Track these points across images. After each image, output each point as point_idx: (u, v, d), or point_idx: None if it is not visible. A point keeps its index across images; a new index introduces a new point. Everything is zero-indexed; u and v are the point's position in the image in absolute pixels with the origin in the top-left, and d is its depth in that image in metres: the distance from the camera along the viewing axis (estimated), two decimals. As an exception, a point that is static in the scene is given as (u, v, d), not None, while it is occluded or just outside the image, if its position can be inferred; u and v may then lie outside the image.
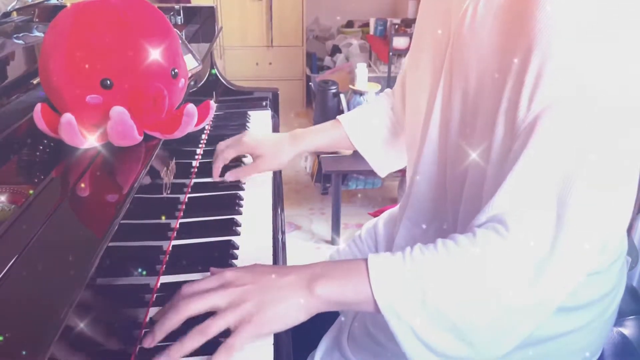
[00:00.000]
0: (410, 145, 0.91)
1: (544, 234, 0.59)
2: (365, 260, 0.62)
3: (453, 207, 0.79)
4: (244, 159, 1.08)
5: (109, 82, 0.65)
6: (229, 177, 0.99)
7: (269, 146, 1.00)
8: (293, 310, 0.60)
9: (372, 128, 1.04)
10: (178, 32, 0.79)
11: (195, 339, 0.58)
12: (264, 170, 1.01)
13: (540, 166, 0.59)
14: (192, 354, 0.58)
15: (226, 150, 1.00)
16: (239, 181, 1.01)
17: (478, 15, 0.68)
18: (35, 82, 0.80)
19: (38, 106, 0.67)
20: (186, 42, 1.00)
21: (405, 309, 0.59)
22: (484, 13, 0.67)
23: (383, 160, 1.06)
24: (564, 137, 0.58)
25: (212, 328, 0.58)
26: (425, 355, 0.61)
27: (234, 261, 0.78)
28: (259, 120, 1.38)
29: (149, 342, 0.59)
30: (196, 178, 1.02)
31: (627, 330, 0.89)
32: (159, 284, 0.73)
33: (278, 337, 0.65)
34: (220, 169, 1.00)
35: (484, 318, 0.60)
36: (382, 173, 1.07)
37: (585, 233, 0.59)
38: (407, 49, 3.30)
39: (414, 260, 0.61)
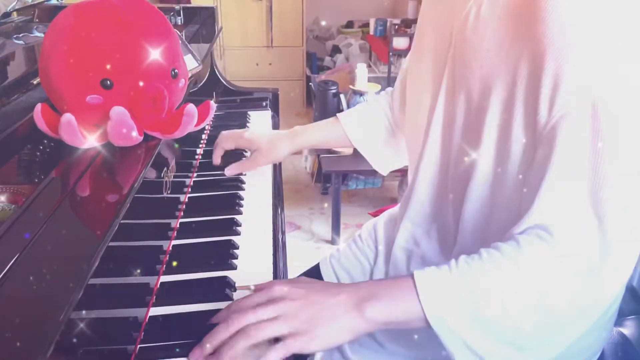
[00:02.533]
0: (411, 145, 0.91)
1: (590, 240, 0.59)
2: (412, 276, 0.61)
3: (454, 207, 0.79)
4: (245, 154, 1.09)
5: (109, 82, 0.65)
6: (228, 172, 1.02)
7: (266, 141, 1.03)
8: (342, 330, 0.60)
9: (369, 126, 1.05)
10: (178, 32, 0.79)
11: (247, 340, 0.57)
12: (261, 164, 1.04)
13: (569, 173, 0.59)
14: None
15: (225, 141, 1.04)
16: (239, 181, 1.01)
17: (481, 17, 0.67)
18: (35, 82, 0.80)
19: (38, 106, 0.67)
20: (186, 42, 1.00)
21: (457, 323, 0.59)
22: (487, 15, 0.67)
23: (382, 158, 1.07)
24: (587, 141, 0.58)
25: (264, 330, 0.58)
26: None
27: (234, 261, 0.78)
28: (259, 120, 1.39)
29: (196, 356, 0.58)
30: (196, 178, 1.02)
31: (627, 330, 0.89)
32: (159, 284, 0.73)
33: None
34: (219, 157, 1.04)
35: (535, 324, 0.60)
36: (383, 171, 1.08)
37: (628, 233, 0.60)
38: (407, 49, 3.30)
39: (461, 272, 0.61)
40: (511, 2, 0.64)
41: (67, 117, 0.64)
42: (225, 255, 0.79)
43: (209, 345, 0.58)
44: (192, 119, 0.72)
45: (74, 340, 0.47)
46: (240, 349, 0.57)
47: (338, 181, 2.30)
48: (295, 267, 1.09)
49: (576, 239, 0.60)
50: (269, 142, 1.04)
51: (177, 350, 0.62)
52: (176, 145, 0.91)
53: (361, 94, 2.41)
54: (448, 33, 0.75)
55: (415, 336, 0.80)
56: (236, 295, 0.71)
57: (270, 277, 0.76)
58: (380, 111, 1.05)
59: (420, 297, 0.59)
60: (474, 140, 0.71)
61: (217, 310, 0.64)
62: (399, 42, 3.23)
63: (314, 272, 1.04)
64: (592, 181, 0.58)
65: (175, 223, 0.86)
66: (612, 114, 0.57)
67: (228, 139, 1.04)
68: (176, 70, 0.72)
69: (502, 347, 0.61)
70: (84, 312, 0.49)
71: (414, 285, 0.60)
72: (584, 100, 0.58)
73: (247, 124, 1.33)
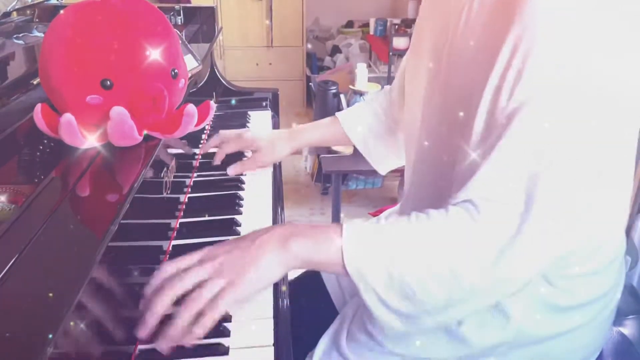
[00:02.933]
0: (408, 143, 0.91)
1: (511, 220, 0.61)
2: (342, 224, 0.64)
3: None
4: (246, 154, 1.10)
5: (109, 82, 0.65)
6: (230, 171, 1.02)
7: (266, 141, 1.05)
8: (270, 266, 0.62)
9: (369, 124, 1.05)
10: (178, 32, 0.79)
11: (188, 311, 0.59)
12: (263, 164, 1.05)
13: (513, 157, 0.61)
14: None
15: (226, 145, 1.04)
16: (239, 181, 1.01)
17: (473, 13, 0.68)
18: (35, 82, 0.80)
19: (38, 106, 0.67)
20: (186, 42, 1.00)
21: (371, 273, 0.62)
22: (478, 10, 0.68)
23: (381, 157, 1.07)
24: (538, 131, 0.59)
25: (201, 297, 0.59)
26: (387, 315, 0.64)
27: (234, 261, 0.78)
28: (259, 120, 1.39)
29: (142, 332, 0.59)
30: (196, 178, 1.02)
31: (627, 330, 0.89)
32: (159, 284, 0.73)
33: (278, 337, 0.65)
34: (220, 159, 1.04)
35: (442, 290, 0.62)
36: (382, 170, 1.09)
37: (551, 223, 0.61)
38: (408, 49, 3.30)
39: (385, 228, 0.64)
40: None
41: (67, 117, 0.64)
42: (225, 255, 0.79)
43: (151, 320, 0.59)
44: (192, 119, 0.72)
45: (75, 339, 0.47)
46: (185, 322, 0.58)
47: (338, 181, 2.30)
48: (295, 267, 1.09)
49: (498, 217, 0.62)
50: (268, 142, 1.04)
51: (177, 351, 0.62)
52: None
53: (361, 94, 2.41)
54: (445, 30, 0.75)
55: (414, 336, 0.80)
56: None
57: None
58: (379, 109, 1.06)
59: (343, 241, 0.62)
60: (466, 137, 0.72)
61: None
62: (399, 42, 3.23)
63: (314, 272, 1.04)
64: (534, 169, 0.60)
65: (175, 223, 0.86)
66: (570, 104, 0.58)
67: (229, 143, 1.05)
68: (176, 70, 0.72)
69: (408, 304, 0.63)
70: (84, 312, 0.49)
71: (341, 230, 0.63)
72: (542, 88, 0.59)
73: (247, 124, 1.33)
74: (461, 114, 0.73)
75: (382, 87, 2.63)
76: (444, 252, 0.62)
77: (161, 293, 0.60)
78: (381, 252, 0.62)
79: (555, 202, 0.60)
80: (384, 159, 1.08)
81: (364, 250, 0.62)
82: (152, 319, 0.59)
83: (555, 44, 0.58)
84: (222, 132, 1.07)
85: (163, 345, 0.59)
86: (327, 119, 1.08)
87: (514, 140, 0.60)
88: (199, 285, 0.60)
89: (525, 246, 0.61)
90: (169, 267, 0.63)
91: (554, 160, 0.59)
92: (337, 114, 1.07)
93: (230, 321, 0.66)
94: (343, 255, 0.62)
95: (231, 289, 0.60)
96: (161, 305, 0.59)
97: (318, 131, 1.08)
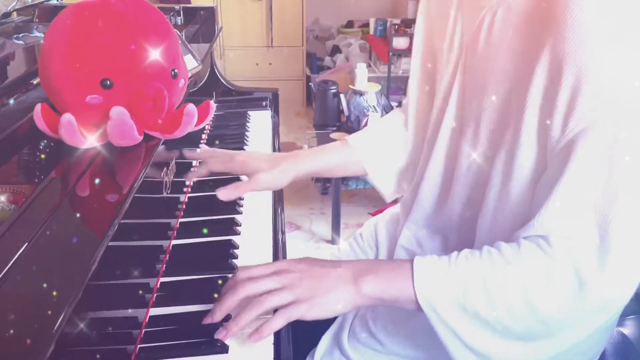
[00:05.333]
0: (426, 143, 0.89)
1: (587, 255, 0.59)
2: (411, 261, 0.64)
3: (459, 216, 0.79)
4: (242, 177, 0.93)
5: (109, 82, 0.65)
6: (220, 196, 0.81)
7: (265, 161, 0.86)
8: (339, 301, 0.64)
9: (387, 153, 0.96)
10: (178, 32, 0.79)
11: (252, 311, 0.62)
12: (263, 189, 0.87)
13: (581, 188, 0.59)
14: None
15: (212, 162, 0.87)
16: (239, 181, 1.00)
17: (496, 27, 0.66)
18: (35, 82, 0.80)
19: (38, 106, 0.67)
20: (186, 42, 0.99)
21: (445, 309, 0.62)
22: (502, 24, 0.65)
23: (394, 187, 0.99)
24: (603, 159, 0.57)
25: (268, 302, 0.62)
26: (464, 353, 0.64)
27: (234, 261, 0.78)
28: (259, 120, 1.38)
29: (208, 321, 0.64)
30: (196, 177, 1.01)
31: (627, 330, 0.89)
32: (158, 284, 0.73)
33: (278, 336, 0.65)
34: (199, 177, 0.89)
35: (521, 323, 0.62)
36: (389, 197, 1.00)
37: (630, 253, 0.60)
38: (407, 49, 3.30)
39: (458, 264, 0.63)
40: (528, 10, 0.62)
41: (67, 117, 0.64)
42: (225, 255, 0.79)
43: (218, 313, 0.64)
44: (192, 119, 0.72)
45: (74, 340, 0.47)
46: (247, 320, 0.62)
47: (338, 181, 2.30)
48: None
49: (573, 253, 0.60)
50: (268, 163, 0.86)
51: (177, 350, 0.62)
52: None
53: (361, 93, 2.41)
54: (457, 41, 0.74)
55: (416, 337, 0.79)
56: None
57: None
58: (396, 132, 0.96)
59: (414, 279, 0.63)
60: (482, 149, 0.71)
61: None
62: (399, 42, 3.23)
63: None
64: (603, 198, 0.58)
65: (175, 223, 0.86)
66: (634, 128, 0.56)
67: (216, 160, 0.87)
68: (176, 70, 0.72)
69: (487, 341, 0.63)
70: (84, 312, 0.49)
71: (412, 268, 0.63)
72: (603, 114, 0.56)
73: (247, 124, 1.33)
74: (474, 125, 0.72)
75: (382, 87, 2.63)
76: (519, 289, 0.61)
77: (233, 291, 0.64)
78: (453, 286, 0.62)
79: (633, 227, 0.59)
80: (396, 188, 0.99)
81: (435, 286, 0.63)
82: (218, 313, 0.63)
83: (609, 67, 0.55)
84: (214, 149, 0.92)
85: (220, 335, 0.62)
86: (336, 143, 0.94)
87: (579, 171, 0.58)
88: (269, 293, 0.63)
89: (614, 275, 0.59)
90: (242, 273, 0.66)
91: (626, 185, 0.57)
92: (348, 138, 0.94)
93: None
94: (415, 292, 0.62)
95: (302, 305, 0.62)
96: (230, 301, 0.63)
97: (325, 157, 0.92)
